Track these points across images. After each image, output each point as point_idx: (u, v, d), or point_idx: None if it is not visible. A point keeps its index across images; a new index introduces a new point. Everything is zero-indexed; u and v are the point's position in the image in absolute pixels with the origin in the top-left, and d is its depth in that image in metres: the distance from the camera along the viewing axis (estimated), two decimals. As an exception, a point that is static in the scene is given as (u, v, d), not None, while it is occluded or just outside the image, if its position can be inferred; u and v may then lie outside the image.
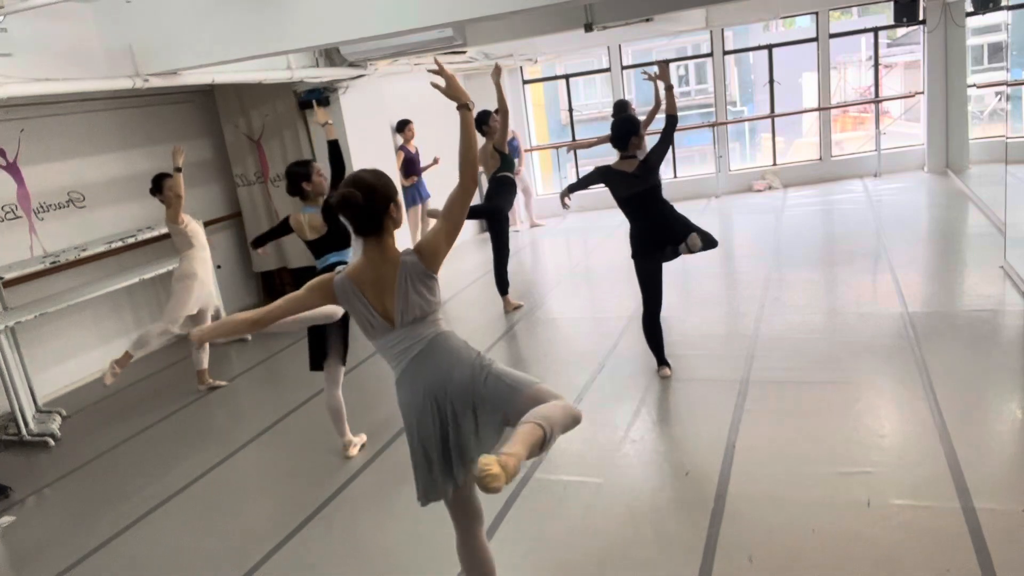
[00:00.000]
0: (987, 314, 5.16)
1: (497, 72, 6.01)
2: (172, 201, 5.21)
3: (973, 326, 4.98)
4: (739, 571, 2.84)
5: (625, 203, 4.56)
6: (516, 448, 1.97)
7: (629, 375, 4.87)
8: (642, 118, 5.46)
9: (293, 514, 3.69)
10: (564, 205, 4.87)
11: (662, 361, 4.77)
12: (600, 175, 4.58)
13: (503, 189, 6.57)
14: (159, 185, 5.27)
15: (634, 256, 4.61)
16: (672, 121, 4.59)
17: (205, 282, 5.46)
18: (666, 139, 4.49)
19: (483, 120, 6.35)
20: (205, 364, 5.61)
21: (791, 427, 3.91)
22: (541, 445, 2.07)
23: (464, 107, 2.42)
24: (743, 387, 4.44)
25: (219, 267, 7.24)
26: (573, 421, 2.23)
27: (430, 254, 2.34)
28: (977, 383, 4.18)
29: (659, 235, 4.52)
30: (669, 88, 4.63)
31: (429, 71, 2.57)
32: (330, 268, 4.14)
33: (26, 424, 5.09)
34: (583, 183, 4.74)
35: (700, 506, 3.28)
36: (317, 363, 4.14)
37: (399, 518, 3.56)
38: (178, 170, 5.12)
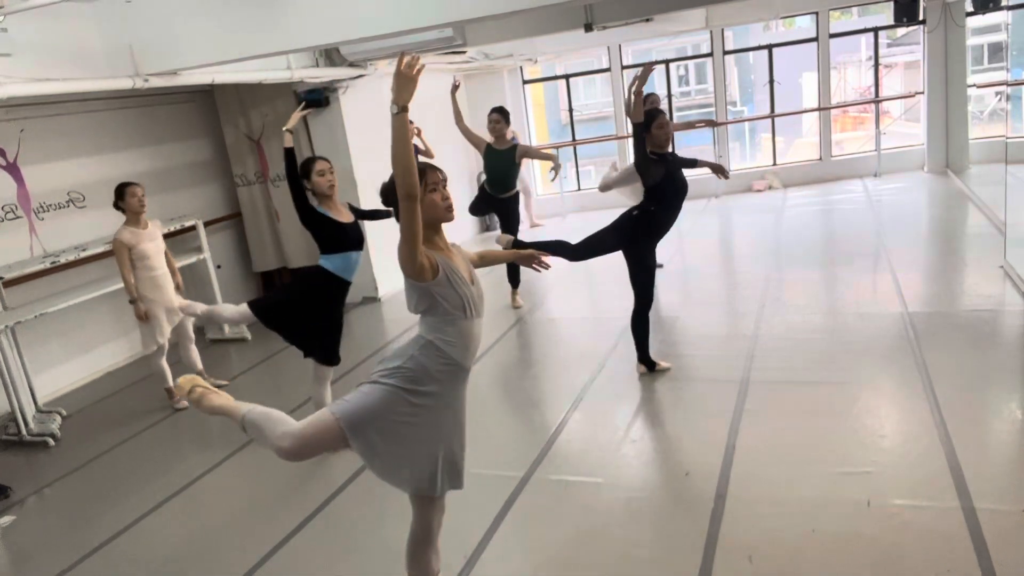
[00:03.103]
0: (987, 314, 5.16)
1: (455, 88, 6.39)
2: (136, 209, 4.99)
3: (973, 326, 4.98)
4: (739, 571, 2.84)
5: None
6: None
7: (629, 375, 4.86)
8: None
9: (293, 513, 3.69)
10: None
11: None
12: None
13: None
14: (122, 193, 5.02)
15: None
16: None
17: (161, 301, 5.12)
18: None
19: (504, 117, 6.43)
20: (199, 366, 5.59)
21: (791, 427, 3.91)
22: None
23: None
24: (743, 387, 4.44)
25: (219, 267, 7.25)
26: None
27: None
28: (977, 383, 4.18)
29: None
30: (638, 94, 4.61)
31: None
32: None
33: (26, 424, 5.09)
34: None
35: (700, 506, 3.28)
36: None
37: (399, 517, 3.55)
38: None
